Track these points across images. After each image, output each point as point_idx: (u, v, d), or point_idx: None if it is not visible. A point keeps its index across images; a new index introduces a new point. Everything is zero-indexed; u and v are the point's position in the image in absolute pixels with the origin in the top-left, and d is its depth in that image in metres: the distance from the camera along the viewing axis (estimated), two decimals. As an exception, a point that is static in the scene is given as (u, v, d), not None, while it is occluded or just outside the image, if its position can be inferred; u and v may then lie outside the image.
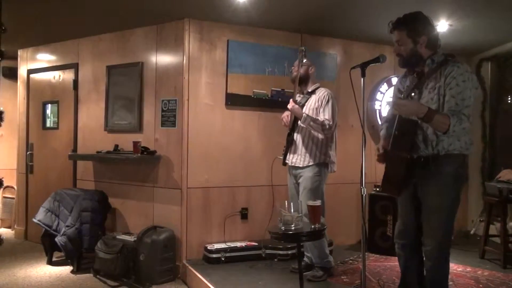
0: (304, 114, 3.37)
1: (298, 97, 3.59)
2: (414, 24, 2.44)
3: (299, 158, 3.49)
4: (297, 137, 3.52)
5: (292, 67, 3.62)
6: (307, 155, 3.46)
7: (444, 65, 2.39)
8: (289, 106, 3.45)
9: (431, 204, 2.42)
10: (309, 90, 3.56)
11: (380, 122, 4.75)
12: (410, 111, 2.32)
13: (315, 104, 3.47)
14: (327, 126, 3.35)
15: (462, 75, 2.32)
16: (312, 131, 3.42)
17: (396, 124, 2.47)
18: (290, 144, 3.54)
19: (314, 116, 3.40)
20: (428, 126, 2.38)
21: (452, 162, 2.39)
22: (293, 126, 3.51)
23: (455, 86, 2.31)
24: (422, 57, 2.46)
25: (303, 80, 3.54)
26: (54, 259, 4.47)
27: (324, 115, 3.40)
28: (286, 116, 3.59)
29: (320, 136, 3.41)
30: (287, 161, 3.59)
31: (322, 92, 3.50)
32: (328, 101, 3.43)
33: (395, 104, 2.40)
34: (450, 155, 2.38)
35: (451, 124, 2.24)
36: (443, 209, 2.40)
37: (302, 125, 3.43)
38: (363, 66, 2.54)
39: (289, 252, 3.98)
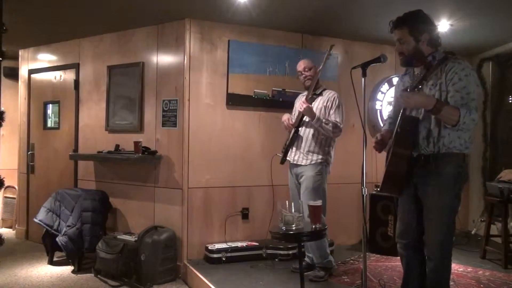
0: (317, 115, 3.37)
1: (303, 96, 3.59)
2: (415, 21, 2.44)
3: (301, 156, 3.49)
4: (304, 134, 3.51)
5: (301, 68, 3.58)
6: (310, 153, 3.46)
7: (445, 61, 2.38)
8: (303, 106, 3.38)
9: (432, 204, 2.41)
10: (317, 93, 3.56)
11: (381, 122, 4.76)
12: (418, 103, 2.30)
13: (322, 104, 3.49)
14: (338, 128, 3.38)
15: (464, 70, 2.32)
16: (321, 131, 3.41)
17: (398, 121, 2.46)
18: (294, 141, 3.54)
19: (324, 118, 3.41)
20: (432, 123, 2.38)
21: (452, 161, 2.39)
22: (299, 124, 3.51)
23: (458, 81, 2.30)
24: (424, 55, 2.45)
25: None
26: (55, 259, 4.47)
27: (336, 118, 3.42)
28: (287, 119, 3.58)
29: (328, 135, 3.41)
30: (288, 159, 3.59)
31: (331, 94, 3.51)
32: (338, 105, 3.46)
33: (401, 97, 2.36)
34: (450, 154, 2.38)
35: (461, 115, 2.22)
36: (444, 208, 2.39)
37: (314, 125, 3.41)
38: (364, 66, 2.54)
39: (290, 252, 3.98)
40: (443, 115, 2.25)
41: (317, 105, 3.51)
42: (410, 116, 2.44)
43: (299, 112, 3.47)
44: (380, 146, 2.64)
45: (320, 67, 3.47)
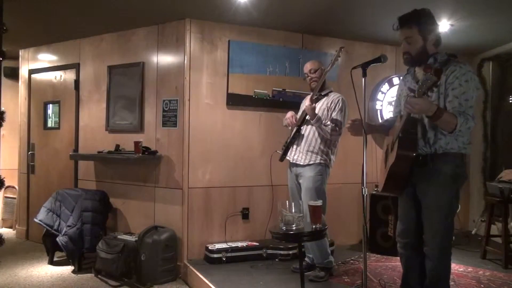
0: (317, 115, 3.38)
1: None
2: (425, 21, 2.41)
3: (301, 155, 3.49)
4: (305, 133, 3.51)
5: (307, 70, 3.58)
6: (309, 153, 3.45)
7: (447, 64, 2.37)
8: (306, 103, 3.45)
9: (430, 204, 2.42)
10: (322, 94, 3.56)
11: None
12: (421, 109, 2.28)
13: (326, 106, 3.49)
14: (336, 131, 3.38)
15: (465, 75, 2.30)
16: (320, 132, 3.42)
17: (402, 126, 2.43)
18: (295, 139, 3.54)
19: (325, 119, 3.42)
20: (427, 124, 2.37)
21: (450, 161, 2.38)
22: (301, 123, 3.51)
23: (458, 86, 2.29)
24: (428, 55, 2.44)
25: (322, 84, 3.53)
26: (55, 259, 4.47)
27: (336, 121, 3.41)
28: (291, 116, 3.59)
29: (326, 137, 3.42)
30: (288, 158, 3.59)
31: (336, 96, 3.51)
32: (341, 108, 3.45)
33: (408, 103, 2.30)
34: (448, 154, 2.38)
35: (458, 124, 2.22)
36: (442, 208, 2.40)
37: (313, 124, 3.41)
38: (365, 66, 2.54)
39: (290, 252, 3.98)
40: (442, 122, 2.25)
41: (321, 105, 3.52)
42: (413, 118, 2.44)
43: (303, 111, 3.49)
44: (355, 129, 2.60)
45: (328, 68, 3.46)
